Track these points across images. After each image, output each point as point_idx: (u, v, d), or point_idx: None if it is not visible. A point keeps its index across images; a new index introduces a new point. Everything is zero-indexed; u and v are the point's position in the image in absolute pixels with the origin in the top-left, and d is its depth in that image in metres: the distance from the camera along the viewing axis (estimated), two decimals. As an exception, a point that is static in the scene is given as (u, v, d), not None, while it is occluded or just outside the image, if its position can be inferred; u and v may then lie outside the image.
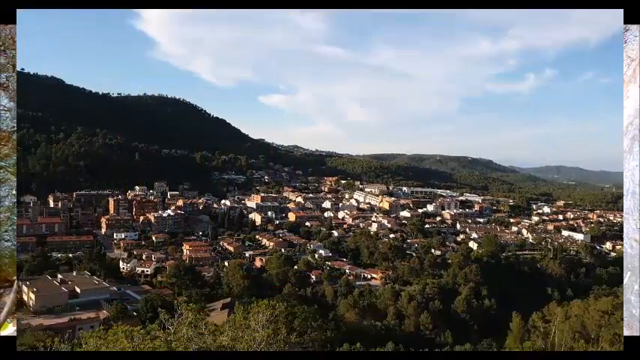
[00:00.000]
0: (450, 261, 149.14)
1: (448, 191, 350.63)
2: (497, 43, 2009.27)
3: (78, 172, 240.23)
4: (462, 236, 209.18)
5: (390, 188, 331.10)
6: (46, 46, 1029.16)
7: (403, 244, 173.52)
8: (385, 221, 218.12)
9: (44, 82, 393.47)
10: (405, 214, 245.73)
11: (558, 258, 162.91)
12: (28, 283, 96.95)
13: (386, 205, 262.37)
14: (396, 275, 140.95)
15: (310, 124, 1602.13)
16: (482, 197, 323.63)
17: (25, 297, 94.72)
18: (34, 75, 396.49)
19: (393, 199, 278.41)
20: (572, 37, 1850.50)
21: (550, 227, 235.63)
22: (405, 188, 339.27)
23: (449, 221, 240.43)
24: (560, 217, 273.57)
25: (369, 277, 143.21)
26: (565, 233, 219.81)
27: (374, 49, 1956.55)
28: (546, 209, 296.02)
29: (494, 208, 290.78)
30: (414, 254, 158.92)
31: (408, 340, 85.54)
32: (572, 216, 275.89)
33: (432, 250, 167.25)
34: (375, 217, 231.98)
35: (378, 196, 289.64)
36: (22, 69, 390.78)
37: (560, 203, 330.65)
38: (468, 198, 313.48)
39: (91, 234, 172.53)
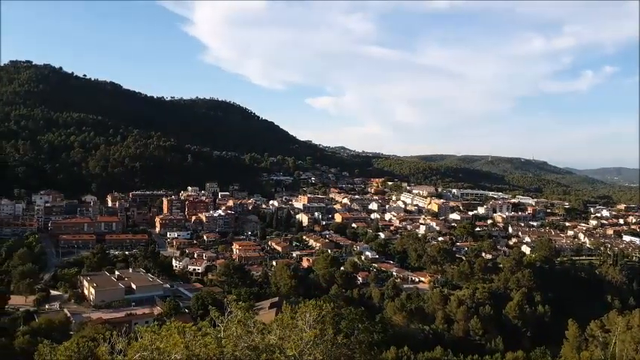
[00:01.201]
0: (501, 265, 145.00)
1: (500, 193, 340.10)
2: (552, 40, 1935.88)
3: (134, 173, 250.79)
4: (514, 240, 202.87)
5: (439, 190, 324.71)
6: (105, 53, 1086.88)
7: (452, 248, 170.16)
8: (434, 224, 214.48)
9: (103, 87, 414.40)
10: (455, 216, 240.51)
11: (619, 264, 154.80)
12: (88, 278, 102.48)
13: (434, 207, 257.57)
14: (445, 279, 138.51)
15: (357, 126, 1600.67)
16: (535, 200, 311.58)
17: (85, 291, 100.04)
18: (94, 81, 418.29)
19: (441, 201, 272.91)
20: (634, 30, 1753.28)
21: (609, 231, 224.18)
22: (454, 190, 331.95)
23: (500, 224, 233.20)
24: (621, 220, 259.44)
25: (417, 280, 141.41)
26: (626, 238, 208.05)
27: (423, 49, 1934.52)
28: (605, 213, 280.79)
29: (549, 211, 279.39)
30: (463, 258, 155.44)
31: (457, 346, 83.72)
32: (634, 220, 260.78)
33: (483, 254, 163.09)
34: (423, 219, 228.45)
35: (426, 197, 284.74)
36: (85, 75, 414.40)
37: (621, 206, 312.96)
38: (521, 200, 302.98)
39: (145, 233, 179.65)
